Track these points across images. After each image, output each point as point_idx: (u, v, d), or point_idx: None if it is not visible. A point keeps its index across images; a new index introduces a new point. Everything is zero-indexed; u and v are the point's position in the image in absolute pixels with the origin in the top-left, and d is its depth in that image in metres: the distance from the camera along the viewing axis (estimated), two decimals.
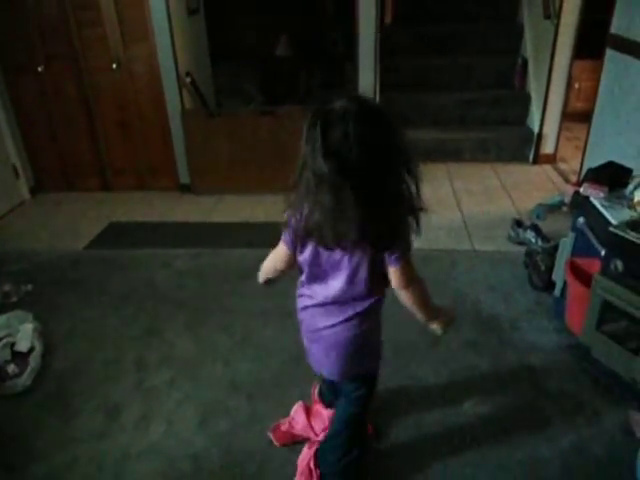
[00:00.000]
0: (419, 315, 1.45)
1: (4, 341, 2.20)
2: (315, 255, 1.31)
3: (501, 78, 4.46)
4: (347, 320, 1.38)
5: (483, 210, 3.35)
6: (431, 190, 3.68)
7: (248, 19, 5.41)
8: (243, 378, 2.11)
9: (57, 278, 2.88)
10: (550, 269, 2.48)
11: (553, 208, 3.12)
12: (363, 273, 1.31)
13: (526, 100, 4.21)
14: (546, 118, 3.92)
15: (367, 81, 3.85)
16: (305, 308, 1.44)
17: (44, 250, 3.20)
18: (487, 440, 1.81)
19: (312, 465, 1.64)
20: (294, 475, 1.66)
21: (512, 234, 2.94)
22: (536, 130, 4.01)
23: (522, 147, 4.07)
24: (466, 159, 4.12)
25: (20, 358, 2.17)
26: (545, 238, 2.75)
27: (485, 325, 2.37)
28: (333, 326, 1.39)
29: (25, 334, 2.25)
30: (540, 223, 2.95)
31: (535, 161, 4.05)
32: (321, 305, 1.39)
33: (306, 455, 1.69)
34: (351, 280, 1.32)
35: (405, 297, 1.39)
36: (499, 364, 2.13)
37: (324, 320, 1.40)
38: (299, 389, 2.02)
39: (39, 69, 3.73)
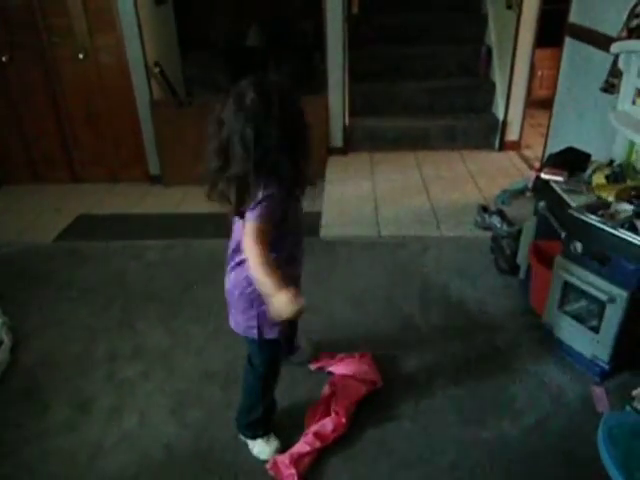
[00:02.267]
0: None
1: None
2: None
3: (467, 67, 4.52)
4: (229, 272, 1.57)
5: (451, 197, 3.41)
6: (401, 177, 3.73)
7: (217, 9, 5.35)
8: (216, 367, 2.12)
9: (25, 271, 2.84)
10: (515, 253, 2.55)
11: (517, 193, 3.20)
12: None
13: (491, 88, 4.28)
14: (510, 106, 4.00)
15: (336, 70, 3.87)
16: None
17: (11, 243, 3.14)
18: (455, 419, 1.86)
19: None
20: (265, 464, 1.69)
21: (478, 220, 3.01)
22: (501, 117, 4.09)
23: (488, 134, 4.15)
24: (434, 146, 4.17)
25: None
26: (510, 223, 2.83)
27: (454, 309, 2.43)
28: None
29: None
30: (505, 208, 3.02)
31: (501, 148, 4.13)
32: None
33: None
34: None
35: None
36: (467, 346, 2.19)
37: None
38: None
39: (3, 59, 3.65)
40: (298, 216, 1.59)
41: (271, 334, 1.57)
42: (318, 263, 2.81)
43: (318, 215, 3.28)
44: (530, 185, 2.66)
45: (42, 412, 1.95)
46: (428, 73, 4.50)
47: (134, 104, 3.75)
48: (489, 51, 4.37)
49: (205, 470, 1.72)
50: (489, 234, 2.86)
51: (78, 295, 2.61)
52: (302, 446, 1.73)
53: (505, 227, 2.77)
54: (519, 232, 2.56)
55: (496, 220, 2.85)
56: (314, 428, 1.79)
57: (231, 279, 1.56)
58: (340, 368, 2.04)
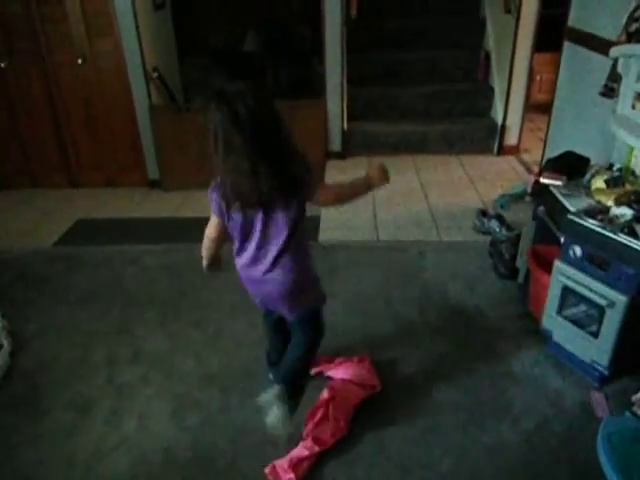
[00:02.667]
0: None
1: None
2: (244, 218, 1.53)
3: (465, 71, 4.54)
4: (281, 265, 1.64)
5: (449, 201, 3.42)
6: (399, 182, 3.73)
7: (215, 14, 5.37)
8: (215, 372, 2.12)
9: (25, 275, 2.84)
10: (514, 257, 2.56)
11: (516, 198, 3.21)
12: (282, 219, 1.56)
13: (490, 93, 4.30)
14: (509, 110, 4.02)
15: (334, 75, 3.88)
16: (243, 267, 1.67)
17: (11, 248, 3.14)
18: (454, 424, 1.86)
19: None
20: (265, 466, 1.69)
21: (477, 224, 3.02)
22: (500, 122, 4.10)
23: (486, 139, 4.16)
24: (432, 151, 4.18)
25: None
26: (509, 227, 2.83)
27: (452, 313, 2.43)
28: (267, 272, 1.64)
29: None
30: (504, 213, 3.03)
31: (499, 152, 4.15)
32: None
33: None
34: (266, 231, 1.58)
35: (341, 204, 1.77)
36: (466, 350, 2.20)
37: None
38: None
39: (2, 65, 3.65)
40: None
41: None
42: (316, 266, 2.80)
43: (317, 219, 3.29)
44: (529, 189, 2.67)
45: (41, 416, 1.95)
46: (426, 78, 4.52)
47: (133, 109, 3.76)
48: (488, 56, 4.38)
49: (204, 474, 1.71)
50: (488, 238, 2.86)
51: (77, 299, 2.60)
52: (301, 451, 1.73)
53: (504, 231, 2.78)
54: (518, 236, 2.57)
55: (495, 224, 2.86)
56: (313, 433, 1.79)
57: (293, 267, 1.63)
58: (339, 372, 2.04)
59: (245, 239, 1.60)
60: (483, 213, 3.03)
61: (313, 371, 2.08)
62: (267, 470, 1.68)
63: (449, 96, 4.35)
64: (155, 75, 3.93)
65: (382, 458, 1.75)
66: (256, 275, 1.65)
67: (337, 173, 3.92)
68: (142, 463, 1.75)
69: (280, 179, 1.45)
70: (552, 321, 2.08)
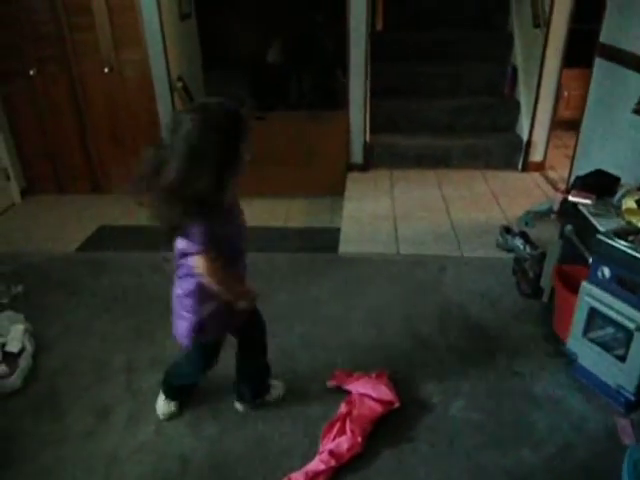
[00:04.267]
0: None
1: None
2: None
3: (491, 86, 4.50)
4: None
5: (472, 216, 3.38)
6: (421, 195, 3.70)
7: (240, 25, 5.42)
8: (233, 380, 2.10)
9: (48, 280, 2.87)
10: (538, 276, 2.51)
11: (541, 215, 3.16)
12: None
13: (515, 108, 4.25)
14: (535, 126, 3.96)
15: (357, 86, 3.88)
16: None
17: (35, 252, 3.18)
18: (473, 445, 1.82)
19: None
20: (280, 478, 1.67)
21: (501, 241, 2.97)
22: (525, 138, 4.05)
23: (511, 154, 4.11)
24: (455, 165, 4.15)
25: (10, 359, 2.17)
26: (533, 245, 2.78)
27: (473, 331, 2.39)
28: None
29: (16, 335, 2.24)
30: (528, 230, 2.98)
31: (524, 168, 4.09)
32: None
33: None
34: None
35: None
36: (486, 369, 2.15)
37: None
38: (288, 387, 2.07)
39: (31, 72, 3.72)
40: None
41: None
42: (336, 279, 2.81)
43: (337, 231, 3.27)
44: (555, 207, 2.62)
45: (61, 418, 1.97)
46: (451, 91, 4.49)
47: (157, 118, 3.80)
48: (514, 70, 4.35)
49: None
50: (511, 256, 2.82)
51: (99, 304, 2.62)
52: (317, 464, 1.71)
53: (528, 249, 2.73)
54: (543, 255, 2.52)
55: (519, 242, 2.81)
56: (330, 446, 1.77)
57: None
58: (357, 387, 2.01)
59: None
60: (507, 230, 2.98)
61: (331, 384, 2.06)
62: None
63: (474, 110, 4.32)
64: (180, 85, 3.98)
65: (399, 475, 1.72)
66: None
67: (358, 186, 3.91)
68: (159, 470, 1.75)
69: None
70: (577, 343, 2.03)
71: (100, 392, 2.08)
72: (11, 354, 2.19)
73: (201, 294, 1.60)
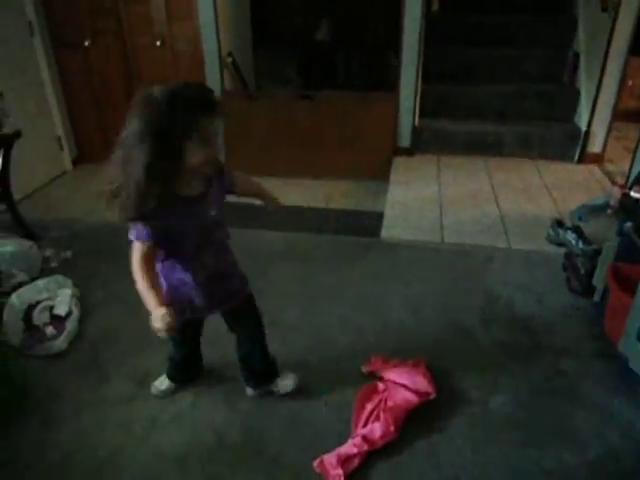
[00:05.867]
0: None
1: (43, 304, 2.26)
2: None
3: (549, 72, 4.31)
4: None
5: (522, 207, 3.26)
6: (469, 183, 3.60)
7: (291, 3, 5.37)
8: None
9: (94, 247, 2.95)
10: (590, 273, 2.40)
11: (597, 210, 3.01)
12: None
13: (575, 96, 4.06)
14: (595, 116, 3.77)
15: (409, 69, 3.78)
16: None
17: (83, 219, 3.28)
18: (512, 442, 1.77)
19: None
20: (313, 459, 1.67)
21: (552, 234, 2.86)
22: (583, 128, 3.86)
23: (567, 145, 3.94)
24: (506, 154, 4.01)
25: (58, 321, 2.24)
26: (587, 240, 2.66)
27: (517, 326, 2.31)
28: None
29: (64, 299, 2.31)
30: (582, 225, 2.85)
31: (580, 160, 3.91)
32: None
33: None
34: None
35: None
36: (530, 366, 2.08)
37: None
38: (324, 370, 2.06)
39: (86, 43, 3.79)
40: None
41: None
42: (376, 263, 2.77)
43: (380, 216, 3.22)
44: (612, 202, 2.49)
45: (102, 382, 2.02)
46: (507, 76, 4.32)
47: None
48: (576, 56, 4.14)
49: (252, 460, 1.71)
50: (561, 250, 2.71)
51: None
52: (350, 447, 1.70)
53: (581, 245, 2.61)
54: (596, 251, 2.41)
55: (571, 236, 2.69)
56: (363, 431, 1.75)
57: None
58: (393, 375, 1.98)
59: None
60: (559, 223, 2.86)
61: (366, 369, 2.04)
62: (315, 464, 1.66)
63: (529, 97, 4.15)
64: (229, 60, 3.98)
65: (432, 467, 1.69)
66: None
67: (404, 170, 3.83)
68: (194, 440, 1.77)
69: None
70: (630, 346, 1.93)
71: (140, 360, 2.12)
72: (58, 317, 2.25)
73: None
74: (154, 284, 1.49)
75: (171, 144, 1.31)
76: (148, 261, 1.49)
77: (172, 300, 1.55)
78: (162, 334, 1.46)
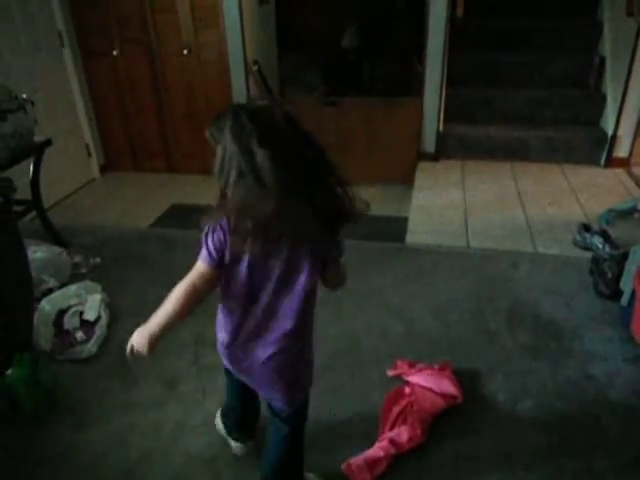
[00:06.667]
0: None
1: (74, 309, 2.32)
2: (258, 263, 1.20)
3: (575, 77, 4.27)
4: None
5: (548, 212, 3.23)
6: (494, 188, 3.58)
7: (316, 10, 5.42)
8: None
9: (123, 253, 3.00)
10: (618, 277, 2.37)
11: (624, 214, 2.98)
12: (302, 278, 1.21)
13: (601, 100, 4.02)
14: (622, 120, 3.72)
15: (434, 73, 3.79)
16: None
17: (112, 226, 3.35)
18: (540, 446, 1.76)
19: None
20: (340, 462, 1.68)
21: (578, 238, 2.83)
22: (610, 132, 3.82)
23: (594, 149, 3.90)
24: (533, 159, 3.98)
25: (87, 326, 2.28)
26: (614, 245, 2.64)
27: (544, 330, 2.30)
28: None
29: (93, 304, 2.36)
30: (609, 229, 2.82)
31: (607, 164, 3.86)
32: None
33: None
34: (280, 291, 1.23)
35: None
36: (557, 370, 2.07)
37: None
38: (350, 374, 2.07)
39: (114, 53, 3.88)
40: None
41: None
42: (402, 268, 2.77)
43: (405, 221, 3.23)
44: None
45: (132, 386, 2.05)
46: (532, 81, 4.29)
47: (231, 100, 3.87)
48: (602, 61, 4.10)
49: None
50: (588, 255, 2.68)
51: (170, 280, 2.66)
52: (377, 451, 1.71)
53: (608, 249, 2.58)
54: (624, 255, 2.38)
55: (598, 241, 2.67)
56: (390, 435, 1.76)
57: (299, 352, 1.36)
58: (419, 379, 1.98)
59: (252, 298, 1.25)
60: (586, 228, 2.83)
61: (392, 373, 2.05)
62: (343, 467, 1.67)
63: (555, 102, 4.11)
64: (255, 68, 4.03)
65: (460, 469, 1.69)
66: (255, 358, 1.30)
67: (429, 175, 3.83)
68: (222, 444, 1.79)
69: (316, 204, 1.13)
70: None
71: (168, 364, 2.15)
72: (88, 322, 2.30)
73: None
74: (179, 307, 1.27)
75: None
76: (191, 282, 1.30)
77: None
78: (131, 355, 1.27)
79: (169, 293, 1.29)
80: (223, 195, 1.16)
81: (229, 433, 1.75)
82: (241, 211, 1.11)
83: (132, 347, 1.27)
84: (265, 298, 1.24)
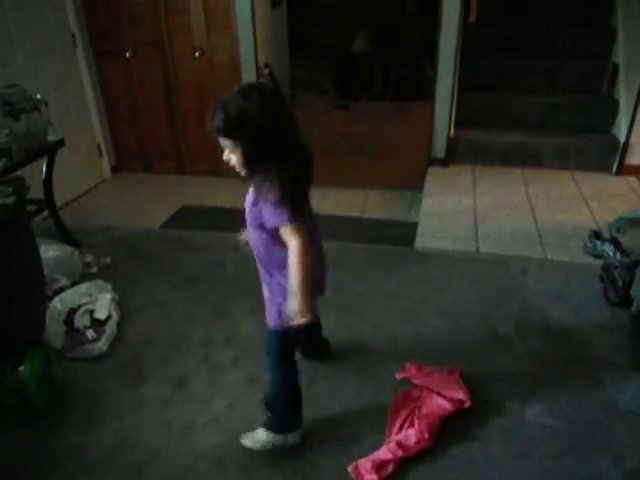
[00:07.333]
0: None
1: (84, 308, 2.33)
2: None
3: (588, 83, 4.26)
4: None
5: (558, 219, 3.22)
6: (505, 194, 3.58)
7: (329, 14, 5.44)
8: (305, 363, 2.13)
9: (134, 253, 3.02)
10: (628, 284, 2.36)
11: (635, 222, 2.97)
12: None
13: (614, 107, 4.00)
14: (634, 127, 3.70)
15: (446, 79, 3.79)
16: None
17: (122, 226, 3.37)
18: (549, 452, 1.75)
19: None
20: (347, 464, 1.69)
21: (589, 245, 2.82)
22: (622, 139, 3.80)
23: (605, 156, 3.88)
24: (544, 165, 3.96)
25: (98, 325, 2.30)
26: (625, 252, 2.63)
27: (553, 336, 2.29)
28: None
29: (104, 303, 2.38)
30: (620, 236, 2.81)
31: (619, 171, 3.84)
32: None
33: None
34: None
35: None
36: (566, 377, 2.06)
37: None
38: (358, 376, 2.07)
39: (127, 54, 3.91)
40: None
41: None
42: (411, 273, 2.77)
43: (414, 225, 3.23)
44: None
45: (141, 385, 2.07)
46: (544, 87, 4.29)
47: None
48: (615, 67, 4.09)
49: (287, 465, 1.73)
50: (599, 262, 2.67)
51: (180, 280, 2.73)
52: (384, 453, 1.71)
53: (619, 256, 2.57)
54: (635, 263, 2.38)
55: (609, 248, 2.66)
56: (398, 437, 1.76)
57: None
58: (427, 382, 1.98)
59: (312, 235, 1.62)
60: (596, 235, 2.82)
61: (400, 376, 2.05)
62: (350, 469, 1.67)
63: (568, 108, 4.10)
64: (266, 71, 4.04)
65: (469, 474, 1.69)
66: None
67: (439, 180, 3.83)
68: (231, 443, 1.80)
69: None
70: None
71: (178, 364, 2.17)
72: (98, 321, 2.32)
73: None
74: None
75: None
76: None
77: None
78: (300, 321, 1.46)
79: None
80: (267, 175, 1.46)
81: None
82: (296, 180, 1.50)
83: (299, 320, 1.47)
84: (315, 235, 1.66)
